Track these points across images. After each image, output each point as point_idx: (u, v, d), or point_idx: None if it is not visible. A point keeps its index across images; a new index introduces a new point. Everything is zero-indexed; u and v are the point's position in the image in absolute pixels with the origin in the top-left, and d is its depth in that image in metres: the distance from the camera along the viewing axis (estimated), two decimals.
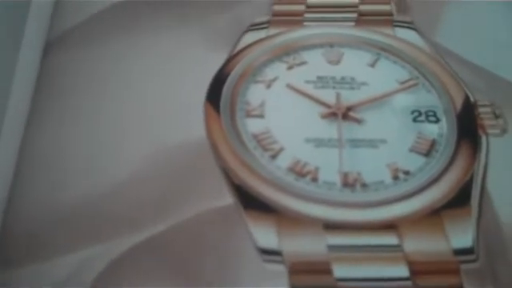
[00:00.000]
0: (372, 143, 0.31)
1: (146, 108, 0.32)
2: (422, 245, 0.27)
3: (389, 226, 0.27)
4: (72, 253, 0.27)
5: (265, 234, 0.27)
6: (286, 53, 0.34)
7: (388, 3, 0.37)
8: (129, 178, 0.29)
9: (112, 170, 0.30)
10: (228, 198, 0.28)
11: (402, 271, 0.26)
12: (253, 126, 0.31)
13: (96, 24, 0.36)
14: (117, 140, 0.31)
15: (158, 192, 0.29)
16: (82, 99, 0.33)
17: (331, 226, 0.27)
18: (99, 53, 0.35)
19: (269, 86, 0.33)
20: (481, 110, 0.32)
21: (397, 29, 0.36)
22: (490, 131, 0.31)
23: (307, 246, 0.27)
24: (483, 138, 0.31)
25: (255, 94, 0.32)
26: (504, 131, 0.31)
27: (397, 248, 0.27)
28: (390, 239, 0.27)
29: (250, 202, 0.28)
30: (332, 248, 0.27)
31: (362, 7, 0.37)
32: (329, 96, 0.32)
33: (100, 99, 0.33)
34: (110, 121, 0.32)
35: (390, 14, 0.37)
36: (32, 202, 0.29)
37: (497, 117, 0.31)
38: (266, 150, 0.30)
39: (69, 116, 0.32)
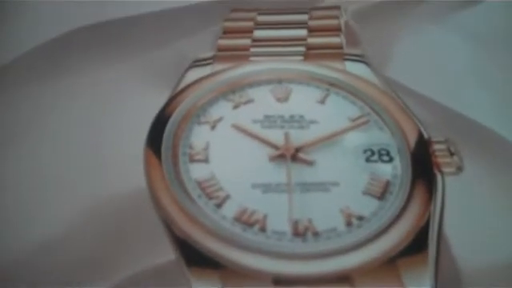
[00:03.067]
0: (323, 187, 0.29)
1: (81, 155, 0.30)
2: None
3: (343, 279, 0.26)
4: None
5: None
6: (232, 90, 0.33)
7: (338, 35, 0.36)
8: (61, 234, 0.27)
9: (41, 226, 0.27)
10: (170, 254, 0.26)
11: None
12: (197, 171, 0.29)
13: (30, 63, 0.34)
14: (48, 192, 0.28)
15: (93, 250, 0.26)
16: (14, 145, 0.31)
17: (281, 282, 0.25)
18: (34, 94, 0.33)
19: (213, 127, 0.31)
20: (435, 147, 0.30)
21: (347, 62, 0.34)
22: (445, 170, 0.29)
23: None
24: (439, 177, 0.29)
25: (199, 136, 0.31)
26: (459, 169, 0.30)
27: None
28: None
29: (194, 257, 0.26)
30: None
31: (311, 40, 0.36)
32: (277, 136, 0.31)
33: (34, 146, 0.31)
34: (45, 169, 0.29)
35: (340, 47, 0.35)
36: None
37: (452, 154, 0.30)
38: (210, 198, 0.28)
39: (4, 162, 0.30)
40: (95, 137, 0.31)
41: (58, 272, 0.26)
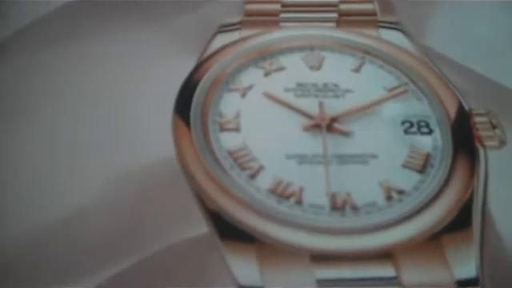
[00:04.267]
0: (361, 159, 0.27)
1: (106, 123, 0.28)
2: (422, 276, 0.24)
3: (384, 255, 0.24)
4: None
5: (245, 268, 0.24)
6: (262, 57, 0.31)
7: (371, 2, 0.34)
8: (87, 207, 0.26)
9: (67, 198, 0.26)
10: (203, 227, 0.25)
11: None
12: (228, 141, 0.28)
13: (47, 27, 0.32)
14: (74, 161, 0.27)
15: (122, 222, 0.25)
16: (34, 112, 0.29)
17: (320, 257, 0.24)
18: (51, 60, 0.31)
19: (244, 95, 0.30)
20: (477, 119, 0.29)
21: (381, 30, 0.33)
22: (487, 143, 0.28)
23: (293, 280, 0.24)
24: (481, 151, 0.28)
25: (229, 104, 0.29)
26: (502, 143, 0.28)
27: (394, 281, 0.24)
28: (386, 270, 0.24)
29: (228, 230, 0.25)
30: (322, 283, 0.24)
31: (343, 6, 0.34)
32: (311, 105, 0.29)
33: (54, 113, 0.29)
34: (66, 139, 0.28)
35: (374, 14, 0.34)
36: None
37: (494, 127, 0.28)
38: (243, 168, 0.27)
39: (18, 133, 0.28)
40: (120, 105, 0.29)
41: (80, 247, 0.25)
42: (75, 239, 0.25)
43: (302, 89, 0.30)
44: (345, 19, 0.33)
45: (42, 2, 0.33)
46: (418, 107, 0.30)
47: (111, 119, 0.29)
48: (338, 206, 0.26)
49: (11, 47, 0.31)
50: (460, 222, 0.25)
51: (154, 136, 0.28)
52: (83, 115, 0.29)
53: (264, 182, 0.26)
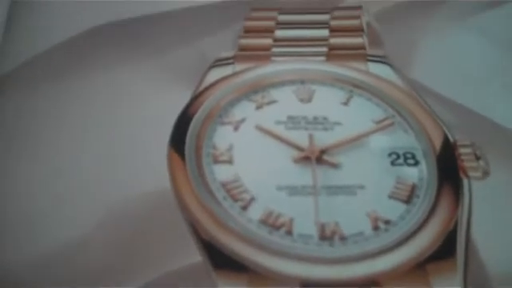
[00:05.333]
0: (349, 190, 0.28)
1: (102, 155, 0.29)
2: None
3: (371, 283, 0.25)
4: None
5: None
6: (254, 91, 0.32)
7: (360, 36, 0.35)
8: (84, 235, 0.26)
9: (60, 227, 0.27)
10: (196, 256, 0.26)
11: None
12: (221, 173, 0.29)
13: (49, 61, 0.33)
14: (69, 192, 0.28)
15: (116, 252, 0.26)
16: (36, 142, 0.30)
17: (309, 285, 0.25)
18: (52, 93, 0.32)
19: (237, 128, 0.31)
20: (461, 150, 0.30)
21: (370, 64, 0.34)
22: (471, 174, 0.29)
23: None
24: (465, 182, 0.29)
25: (222, 136, 0.30)
26: (486, 174, 0.29)
27: None
28: None
29: (220, 260, 0.26)
30: None
31: (333, 40, 0.35)
32: (301, 138, 0.30)
33: (55, 142, 0.30)
34: (63, 170, 0.29)
35: (363, 48, 0.35)
36: None
37: (478, 158, 0.29)
38: (235, 200, 0.28)
39: (17, 166, 0.29)
40: (116, 137, 0.30)
41: (80, 275, 0.26)
42: (76, 265, 0.26)
43: (292, 121, 0.31)
44: (334, 53, 0.34)
45: (41, 38, 0.34)
46: (404, 139, 0.31)
47: (111, 149, 0.30)
48: (326, 235, 0.27)
49: (12, 82, 0.33)
50: (444, 251, 0.26)
51: (153, 165, 0.29)
52: (79, 147, 0.30)
53: (255, 212, 0.27)
